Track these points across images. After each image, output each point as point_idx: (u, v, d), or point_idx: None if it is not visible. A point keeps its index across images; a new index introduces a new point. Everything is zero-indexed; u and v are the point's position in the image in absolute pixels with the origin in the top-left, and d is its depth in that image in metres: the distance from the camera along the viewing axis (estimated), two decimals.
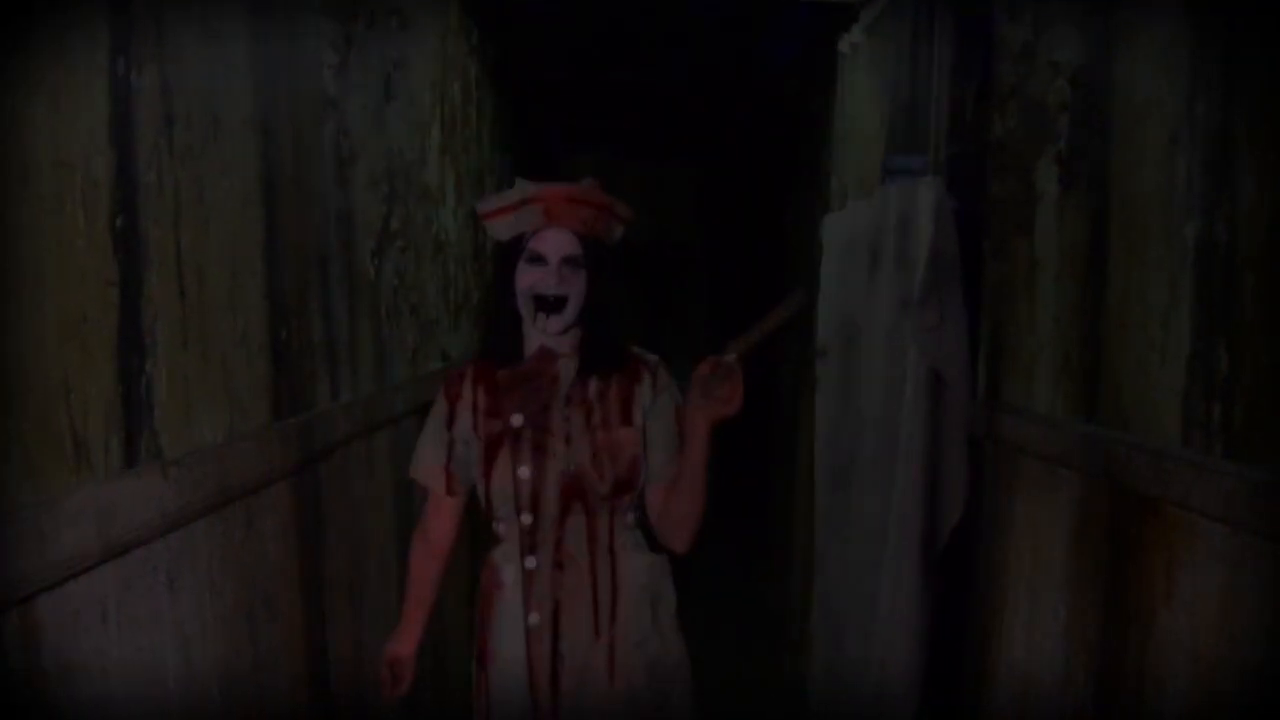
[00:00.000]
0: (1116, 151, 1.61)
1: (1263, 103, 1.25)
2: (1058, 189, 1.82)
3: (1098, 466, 1.59)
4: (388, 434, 2.26)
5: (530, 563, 1.68)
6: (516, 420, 1.67)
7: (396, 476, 2.30)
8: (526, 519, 1.67)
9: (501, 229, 1.68)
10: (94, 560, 1.05)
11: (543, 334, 1.66)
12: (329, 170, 1.91)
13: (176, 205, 1.27)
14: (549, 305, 1.63)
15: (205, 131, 1.35)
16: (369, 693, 2.04)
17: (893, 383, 2.26)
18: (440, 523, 1.81)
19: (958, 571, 2.17)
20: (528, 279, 1.63)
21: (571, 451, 1.66)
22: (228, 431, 1.41)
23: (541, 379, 1.68)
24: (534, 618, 1.68)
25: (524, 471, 1.66)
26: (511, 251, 1.67)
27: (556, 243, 1.63)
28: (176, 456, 1.24)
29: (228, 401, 1.42)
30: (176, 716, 1.25)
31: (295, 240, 1.70)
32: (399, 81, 2.43)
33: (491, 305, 1.78)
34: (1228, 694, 1.28)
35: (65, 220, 1.03)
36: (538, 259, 1.63)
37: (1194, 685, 1.34)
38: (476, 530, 3.07)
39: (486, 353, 1.75)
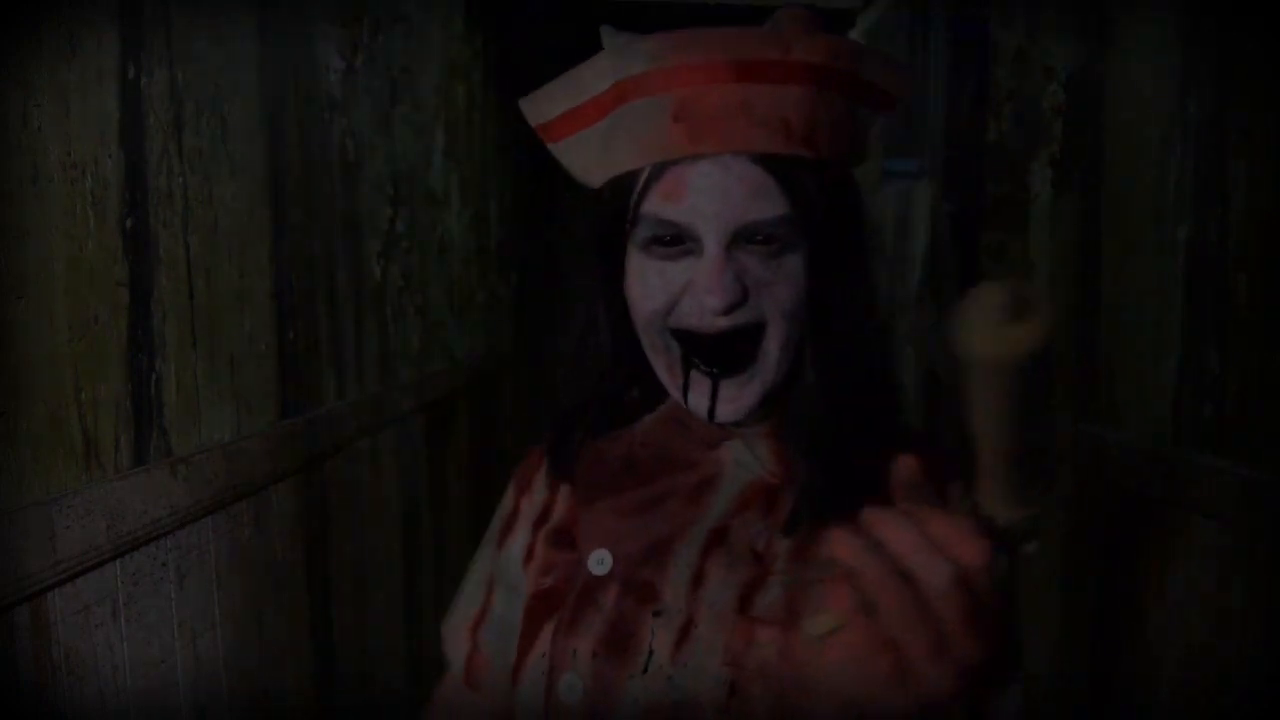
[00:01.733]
0: (1109, 153, 1.62)
1: (1254, 105, 1.26)
2: (1051, 191, 1.83)
3: (1091, 465, 1.60)
4: (393, 432, 2.28)
5: None
6: (599, 563, 0.77)
7: (402, 474, 2.32)
8: None
9: (585, 155, 0.77)
10: (104, 556, 1.06)
11: (705, 419, 0.74)
12: (335, 173, 1.92)
13: (185, 207, 1.28)
14: (715, 358, 0.72)
15: (214, 134, 1.36)
16: (374, 689, 2.06)
17: None
18: None
19: None
20: (656, 292, 0.72)
21: (695, 660, 0.70)
22: (236, 430, 1.42)
23: (673, 477, 0.78)
24: None
25: (572, 684, 0.74)
26: (610, 217, 0.74)
27: (719, 193, 0.69)
28: (185, 454, 1.25)
29: (236, 400, 1.43)
30: (185, 711, 1.25)
31: (302, 241, 1.72)
32: (404, 85, 2.45)
33: (579, 327, 0.82)
34: (1220, 689, 1.29)
35: (76, 221, 1.04)
36: (673, 239, 0.71)
37: (1186, 679, 1.35)
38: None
39: (570, 418, 0.83)
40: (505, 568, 0.85)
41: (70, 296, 1.03)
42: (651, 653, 0.72)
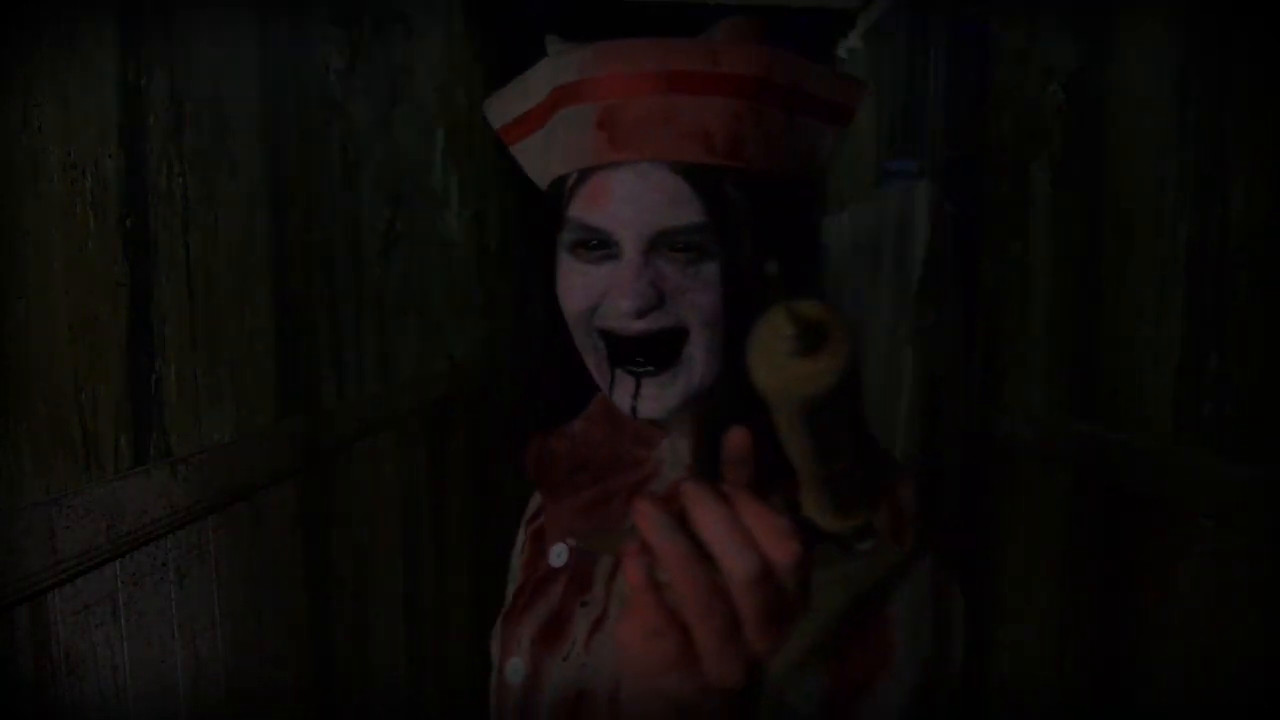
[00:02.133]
0: (1109, 154, 1.62)
1: (1254, 105, 1.26)
2: (1051, 191, 1.84)
3: (1092, 465, 1.60)
4: (393, 432, 2.28)
5: None
6: (557, 556, 0.82)
7: (402, 474, 2.32)
8: None
9: (533, 160, 0.80)
10: (104, 556, 1.06)
11: (629, 415, 0.76)
12: (335, 173, 1.93)
13: (185, 207, 1.28)
14: (636, 357, 0.73)
15: (214, 134, 1.36)
16: (374, 689, 2.06)
17: (889, 383, 2.28)
18: None
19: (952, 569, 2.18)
20: (580, 293, 0.74)
21: (601, 650, 0.74)
22: (236, 429, 1.43)
23: (621, 476, 0.80)
24: None
25: (516, 667, 0.80)
26: (544, 220, 0.77)
27: (636, 200, 0.70)
28: (185, 454, 1.26)
29: (236, 400, 1.44)
30: (185, 711, 1.26)
31: (302, 241, 1.72)
32: (404, 86, 2.45)
33: (525, 321, 0.85)
34: (1220, 689, 1.29)
35: (76, 221, 1.05)
36: (597, 243, 0.72)
37: (1187, 681, 1.35)
38: (483, 515, 3.09)
39: (516, 415, 0.87)
40: (512, 563, 0.92)
41: (70, 296, 1.04)
42: (574, 641, 0.76)
